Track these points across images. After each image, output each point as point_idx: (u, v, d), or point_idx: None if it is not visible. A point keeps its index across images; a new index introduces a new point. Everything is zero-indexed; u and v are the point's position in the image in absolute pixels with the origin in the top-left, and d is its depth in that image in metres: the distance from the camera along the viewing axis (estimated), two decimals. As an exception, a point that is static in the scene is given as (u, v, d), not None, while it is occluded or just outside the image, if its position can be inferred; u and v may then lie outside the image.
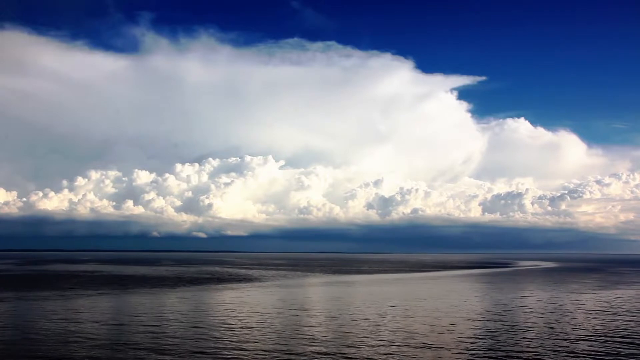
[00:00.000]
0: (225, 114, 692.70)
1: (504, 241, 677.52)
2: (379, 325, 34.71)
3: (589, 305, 47.12)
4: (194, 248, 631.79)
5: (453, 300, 50.33)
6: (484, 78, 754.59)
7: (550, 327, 33.88)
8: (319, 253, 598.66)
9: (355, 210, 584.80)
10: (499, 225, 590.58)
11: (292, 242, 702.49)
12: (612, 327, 34.05)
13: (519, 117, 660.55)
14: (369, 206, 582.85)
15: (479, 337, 30.40)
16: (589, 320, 37.12)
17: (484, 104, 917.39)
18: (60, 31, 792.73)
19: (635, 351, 26.70)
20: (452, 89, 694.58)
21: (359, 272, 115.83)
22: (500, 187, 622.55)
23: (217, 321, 36.24)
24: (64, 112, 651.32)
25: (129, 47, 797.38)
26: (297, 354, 25.75)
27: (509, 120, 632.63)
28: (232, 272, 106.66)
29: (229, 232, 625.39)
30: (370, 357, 25.30)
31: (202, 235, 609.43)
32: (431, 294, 59.31)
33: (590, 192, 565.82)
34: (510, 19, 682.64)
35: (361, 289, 67.63)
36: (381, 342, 28.65)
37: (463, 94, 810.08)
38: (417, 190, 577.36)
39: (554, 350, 26.66)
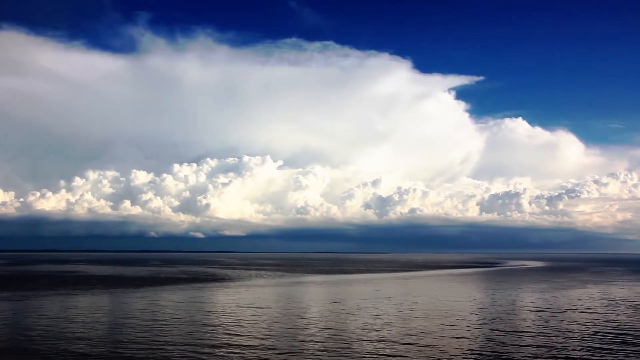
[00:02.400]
0: (223, 114, 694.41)
1: (501, 241, 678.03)
2: (310, 323, 34.97)
3: (531, 303, 47.30)
4: (191, 248, 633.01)
5: (413, 298, 50.60)
6: (481, 78, 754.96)
7: (470, 325, 34.15)
8: (316, 253, 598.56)
9: (353, 210, 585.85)
10: (496, 225, 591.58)
11: (289, 242, 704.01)
12: (532, 325, 34.28)
13: (516, 116, 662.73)
14: (367, 206, 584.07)
15: (409, 333, 30.67)
16: (511, 319, 37.37)
17: (482, 103, 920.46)
18: (58, 31, 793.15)
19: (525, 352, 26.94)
20: (450, 89, 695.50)
21: (341, 272, 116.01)
22: (498, 186, 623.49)
23: (148, 322, 36.48)
24: (62, 112, 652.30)
25: (127, 47, 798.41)
26: (225, 349, 26.03)
27: (507, 120, 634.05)
28: (210, 272, 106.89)
29: (227, 232, 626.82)
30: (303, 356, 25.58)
31: (199, 235, 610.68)
32: (399, 292, 59.57)
33: (588, 192, 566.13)
34: (508, 19, 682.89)
35: (323, 289, 67.90)
36: (310, 339, 28.92)
37: (461, 93, 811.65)
38: (414, 190, 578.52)
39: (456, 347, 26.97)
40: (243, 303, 48.13)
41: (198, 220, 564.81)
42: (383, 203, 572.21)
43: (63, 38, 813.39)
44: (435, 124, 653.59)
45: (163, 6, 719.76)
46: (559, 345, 27.83)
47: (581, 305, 46.46)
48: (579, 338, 30.05)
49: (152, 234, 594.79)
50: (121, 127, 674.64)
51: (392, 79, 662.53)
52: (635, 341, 29.25)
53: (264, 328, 33.59)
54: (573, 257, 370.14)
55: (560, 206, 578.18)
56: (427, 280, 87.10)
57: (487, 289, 67.04)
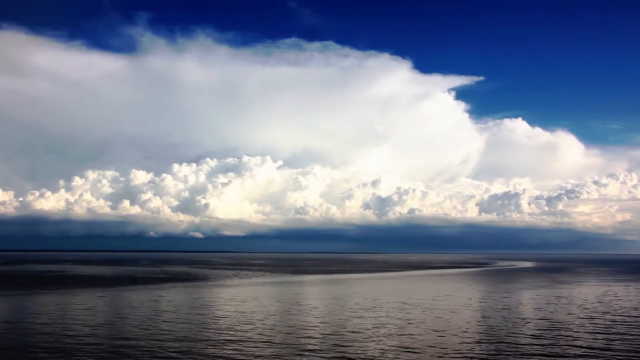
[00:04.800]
0: (222, 114, 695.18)
1: (501, 241, 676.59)
2: (261, 324, 35.19)
3: (478, 303, 47.43)
4: (190, 248, 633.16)
5: (383, 297, 50.81)
6: (481, 78, 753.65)
7: (420, 323, 34.33)
8: (315, 254, 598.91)
9: (352, 210, 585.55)
10: (495, 226, 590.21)
11: (288, 242, 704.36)
12: (482, 326, 34.43)
13: (516, 117, 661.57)
14: (366, 206, 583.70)
15: (359, 329, 30.86)
16: (438, 317, 37.53)
17: (482, 104, 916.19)
18: (58, 31, 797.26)
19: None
20: (449, 89, 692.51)
21: (324, 272, 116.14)
22: (498, 187, 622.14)
23: (105, 321, 36.77)
24: (61, 112, 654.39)
25: (126, 47, 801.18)
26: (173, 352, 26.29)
27: (507, 121, 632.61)
28: (192, 272, 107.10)
29: (226, 233, 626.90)
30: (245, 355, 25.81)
31: (199, 235, 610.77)
32: (362, 292, 59.77)
33: (588, 192, 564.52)
34: (508, 19, 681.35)
35: (288, 289, 68.13)
36: (265, 339, 29.15)
37: (461, 94, 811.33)
38: (414, 190, 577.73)
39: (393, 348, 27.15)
40: (198, 303, 48.37)
41: (197, 220, 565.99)
42: (382, 203, 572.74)
43: (63, 38, 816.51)
44: (435, 124, 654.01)
45: (163, 6, 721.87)
46: (449, 343, 28.02)
47: (523, 305, 46.58)
48: (467, 338, 30.23)
49: (152, 234, 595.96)
50: (121, 127, 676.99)
51: (391, 79, 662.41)
52: (533, 342, 29.39)
53: (199, 330, 33.77)
54: (569, 257, 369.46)
55: (560, 207, 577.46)
56: (404, 281, 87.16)
57: (451, 288, 67.18)
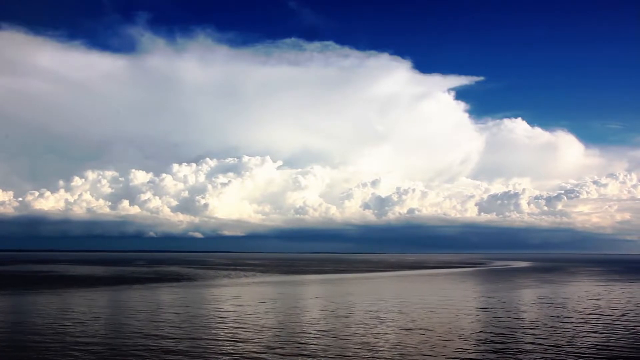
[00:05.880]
0: (222, 114, 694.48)
1: (500, 241, 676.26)
2: (236, 323, 35.25)
3: (459, 302, 47.47)
4: (190, 248, 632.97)
5: (352, 297, 50.86)
6: (481, 78, 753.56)
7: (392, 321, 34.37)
8: (314, 254, 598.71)
9: (352, 210, 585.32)
10: (495, 226, 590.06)
11: (288, 242, 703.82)
12: (446, 325, 34.46)
13: (516, 117, 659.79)
14: (366, 206, 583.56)
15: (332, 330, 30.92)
16: (430, 317, 37.57)
17: (482, 104, 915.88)
18: (57, 31, 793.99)
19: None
20: (449, 89, 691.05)
21: (315, 272, 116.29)
22: (497, 187, 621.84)
23: (58, 322, 36.84)
24: (61, 112, 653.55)
25: (126, 47, 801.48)
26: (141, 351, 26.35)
27: (506, 121, 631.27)
28: (182, 272, 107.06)
29: (226, 233, 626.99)
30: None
31: (198, 235, 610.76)
32: (343, 292, 59.81)
33: (587, 192, 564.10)
34: (508, 19, 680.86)
35: (277, 289, 68.24)
36: (230, 339, 29.21)
37: (460, 94, 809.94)
38: (413, 190, 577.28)
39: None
40: (178, 303, 48.44)
41: (197, 220, 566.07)
42: (382, 203, 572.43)
43: (62, 38, 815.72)
44: (434, 124, 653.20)
45: (162, 6, 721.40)
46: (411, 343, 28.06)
47: (501, 305, 46.61)
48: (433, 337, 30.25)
49: (151, 234, 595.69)
50: (120, 127, 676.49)
51: (391, 79, 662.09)
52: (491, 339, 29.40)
53: (170, 328, 33.83)
54: (568, 258, 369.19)
55: (559, 207, 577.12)
56: (391, 280, 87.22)
57: (436, 288, 67.23)
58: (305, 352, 26.28)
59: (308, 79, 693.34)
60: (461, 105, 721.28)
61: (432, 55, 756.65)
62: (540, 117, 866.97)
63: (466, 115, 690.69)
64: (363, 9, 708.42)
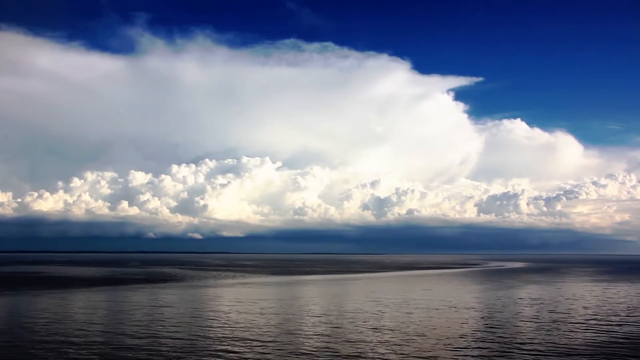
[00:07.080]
0: (222, 115, 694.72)
1: (499, 242, 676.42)
2: (201, 323, 35.41)
3: (440, 301, 47.62)
4: (189, 249, 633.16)
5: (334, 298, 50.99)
6: (480, 79, 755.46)
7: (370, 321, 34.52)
8: (313, 254, 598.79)
9: (351, 211, 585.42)
10: (494, 226, 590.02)
11: (287, 243, 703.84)
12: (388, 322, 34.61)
13: (515, 117, 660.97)
14: (365, 207, 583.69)
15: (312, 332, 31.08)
16: (389, 315, 37.72)
17: (481, 104, 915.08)
18: (57, 32, 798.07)
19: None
20: (448, 90, 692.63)
21: (309, 272, 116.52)
22: (496, 187, 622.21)
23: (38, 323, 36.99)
24: (60, 113, 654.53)
25: (125, 48, 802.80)
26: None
27: (506, 121, 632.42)
28: (173, 273, 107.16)
29: (225, 233, 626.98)
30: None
31: (197, 236, 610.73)
32: (325, 292, 59.94)
33: (586, 193, 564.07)
34: (507, 20, 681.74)
35: (262, 290, 68.43)
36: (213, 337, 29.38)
37: (460, 94, 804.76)
38: (413, 191, 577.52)
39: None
40: (160, 303, 48.60)
41: (196, 221, 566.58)
42: (381, 204, 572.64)
43: (61, 39, 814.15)
44: (434, 125, 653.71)
45: (161, 7, 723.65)
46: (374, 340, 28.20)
47: (478, 305, 46.75)
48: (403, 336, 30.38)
49: (150, 234, 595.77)
50: (120, 128, 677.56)
51: (391, 79, 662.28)
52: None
53: (137, 327, 33.98)
54: (566, 258, 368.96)
55: (559, 207, 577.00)
56: (381, 281, 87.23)
57: (418, 288, 67.32)
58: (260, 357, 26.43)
59: (307, 79, 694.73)
60: (460, 106, 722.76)
61: (431, 56, 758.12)
62: (540, 117, 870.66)
63: (465, 115, 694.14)
64: (362, 9, 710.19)
